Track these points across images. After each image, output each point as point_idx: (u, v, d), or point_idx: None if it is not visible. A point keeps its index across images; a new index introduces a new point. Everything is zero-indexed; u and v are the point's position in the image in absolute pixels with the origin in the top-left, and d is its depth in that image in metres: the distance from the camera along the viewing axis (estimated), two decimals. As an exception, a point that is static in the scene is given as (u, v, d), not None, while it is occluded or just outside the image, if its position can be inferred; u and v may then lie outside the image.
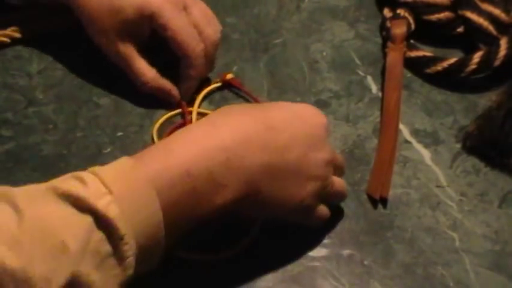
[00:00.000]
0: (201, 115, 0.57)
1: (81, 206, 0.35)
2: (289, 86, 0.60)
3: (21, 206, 0.34)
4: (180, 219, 0.40)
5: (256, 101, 0.58)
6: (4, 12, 0.61)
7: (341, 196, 0.50)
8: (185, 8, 0.55)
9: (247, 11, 0.66)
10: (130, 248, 0.36)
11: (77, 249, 0.34)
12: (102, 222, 0.35)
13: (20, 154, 0.55)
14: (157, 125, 0.56)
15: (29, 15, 0.62)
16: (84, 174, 0.37)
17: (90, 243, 0.35)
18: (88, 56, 0.62)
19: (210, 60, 0.58)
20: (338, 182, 0.49)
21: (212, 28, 0.57)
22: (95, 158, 0.55)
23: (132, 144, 0.56)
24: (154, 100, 0.59)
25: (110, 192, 0.36)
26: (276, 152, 0.43)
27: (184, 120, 0.57)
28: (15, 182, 0.53)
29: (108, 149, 0.55)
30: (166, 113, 0.57)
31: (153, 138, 0.55)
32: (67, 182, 0.37)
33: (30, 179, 0.53)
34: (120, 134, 0.56)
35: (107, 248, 0.35)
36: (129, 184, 0.38)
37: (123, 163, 0.39)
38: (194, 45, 0.55)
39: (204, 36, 0.56)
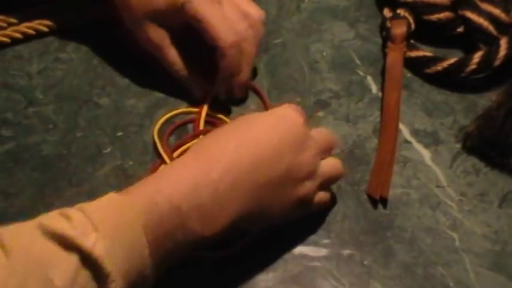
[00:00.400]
0: (210, 117, 0.57)
1: (67, 244, 0.35)
2: (289, 86, 0.60)
3: (8, 244, 0.35)
4: (169, 253, 0.40)
5: (266, 105, 0.58)
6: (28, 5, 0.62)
7: (337, 176, 0.50)
8: (219, 1, 0.54)
9: (247, 11, 0.66)
10: (116, 286, 0.36)
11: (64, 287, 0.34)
12: (88, 260, 0.35)
13: (20, 154, 0.55)
14: (157, 125, 0.56)
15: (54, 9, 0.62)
16: (71, 211, 0.38)
17: (77, 281, 0.35)
18: (88, 56, 0.62)
19: (256, 42, 0.56)
20: (330, 164, 0.49)
21: (254, 8, 0.56)
22: (95, 158, 0.55)
23: (132, 144, 0.56)
24: (154, 100, 0.59)
25: (96, 230, 0.36)
26: (265, 169, 0.43)
27: (195, 123, 0.57)
28: (15, 182, 0.53)
29: (108, 149, 0.55)
30: (167, 113, 0.57)
31: (153, 138, 0.55)
32: (54, 220, 0.37)
33: (30, 179, 0.53)
34: (120, 134, 0.56)
35: (93, 286, 0.36)
36: (116, 222, 0.38)
37: (110, 200, 0.39)
38: (225, 36, 0.53)
39: (250, 19, 0.55)
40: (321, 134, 0.49)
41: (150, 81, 0.59)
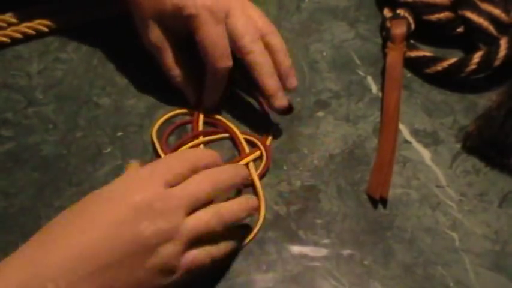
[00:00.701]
0: (208, 117, 0.57)
1: None
2: (289, 86, 0.60)
3: None
4: None
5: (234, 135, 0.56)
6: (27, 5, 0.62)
7: (220, 222, 0.44)
8: (227, 17, 0.53)
9: (247, 11, 0.66)
10: None
11: None
12: None
13: (20, 154, 0.55)
14: (156, 126, 0.56)
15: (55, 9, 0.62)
16: None
17: None
18: (88, 56, 0.62)
19: (285, 72, 0.55)
20: (198, 217, 0.43)
21: (263, 20, 0.55)
22: (94, 158, 0.55)
23: (132, 144, 0.56)
24: (154, 100, 0.59)
25: None
26: (103, 251, 0.40)
27: (194, 124, 0.57)
28: (15, 182, 0.53)
29: (108, 149, 0.55)
30: (166, 114, 0.57)
31: (152, 139, 0.55)
32: None
33: (30, 179, 0.53)
34: (120, 134, 0.56)
35: None
36: None
37: None
38: (216, 59, 0.53)
39: (263, 30, 0.55)
40: (189, 184, 0.44)
41: (150, 81, 0.59)
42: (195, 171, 0.45)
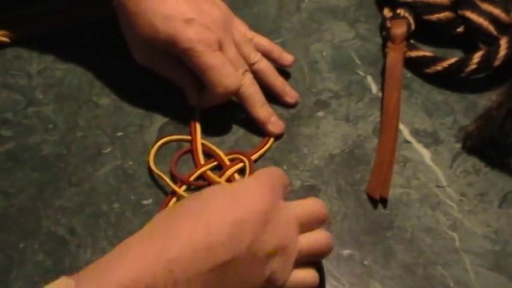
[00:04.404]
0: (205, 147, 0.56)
1: None
2: (289, 86, 0.60)
3: None
4: None
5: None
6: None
7: (321, 252, 0.45)
8: (221, 47, 0.54)
9: (247, 11, 0.66)
10: None
11: None
12: None
13: (20, 154, 0.55)
14: (151, 157, 0.54)
15: (24, 15, 0.62)
16: None
17: None
18: (88, 56, 0.62)
19: (281, 91, 0.58)
20: (313, 238, 0.44)
21: (261, 60, 0.58)
22: (94, 158, 0.55)
23: (132, 144, 0.56)
24: (154, 100, 0.59)
25: None
26: (220, 254, 0.40)
27: (191, 146, 0.56)
28: (15, 182, 0.53)
29: (108, 149, 0.56)
30: (155, 144, 0.55)
31: (154, 172, 0.54)
32: None
33: (30, 179, 0.53)
34: (120, 134, 0.56)
35: None
36: None
37: (61, 285, 0.38)
38: (226, 83, 0.53)
39: (257, 66, 0.57)
40: (303, 205, 0.45)
41: (150, 81, 0.59)
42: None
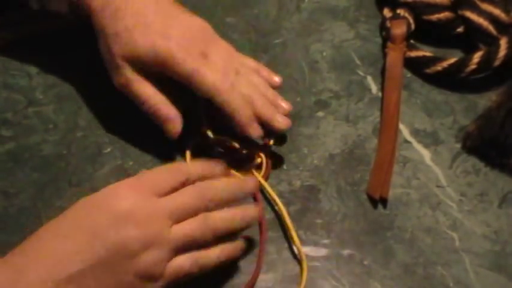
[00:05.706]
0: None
1: None
2: (289, 86, 0.60)
3: None
4: None
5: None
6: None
7: (204, 235, 0.45)
8: (204, 55, 0.52)
9: (247, 11, 0.66)
10: None
11: None
12: None
13: (20, 154, 0.55)
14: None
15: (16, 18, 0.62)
16: None
17: None
18: (88, 56, 0.62)
19: (274, 102, 0.55)
20: (187, 225, 0.44)
21: (249, 71, 0.55)
22: (95, 158, 0.55)
23: (132, 144, 0.56)
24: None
25: None
26: (76, 262, 0.41)
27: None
28: (15, 182, 0.53)
29: (108, 149, 0.56)
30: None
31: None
32: None
33: (30, 179, 0.53)
34: (120, 134, 0.56)
35: None
36: None
37: None
38: (218, 88, 0.52)
39: (243, 68, 0.55)
40: (174, 198, 0.44)
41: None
42: (186, 183, 0.46)
